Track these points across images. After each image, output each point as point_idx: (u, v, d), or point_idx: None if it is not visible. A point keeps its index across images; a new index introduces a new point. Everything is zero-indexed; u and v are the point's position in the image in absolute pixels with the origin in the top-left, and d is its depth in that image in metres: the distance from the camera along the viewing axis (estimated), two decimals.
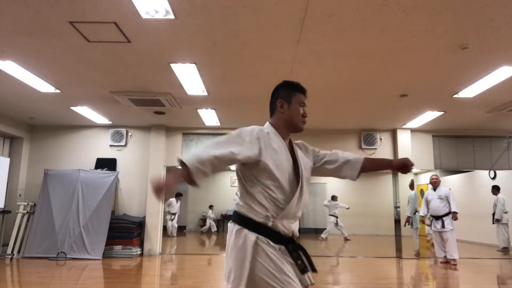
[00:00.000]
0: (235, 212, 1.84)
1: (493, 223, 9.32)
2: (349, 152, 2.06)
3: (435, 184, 7.24)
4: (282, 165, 1.81)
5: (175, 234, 12.55)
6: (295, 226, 1.84)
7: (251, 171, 1.79)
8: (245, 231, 1.75)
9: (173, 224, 12.37)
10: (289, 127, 1.94)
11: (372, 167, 2.04)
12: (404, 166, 1.95)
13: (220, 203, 15.09)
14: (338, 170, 2.02)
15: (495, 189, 9.40)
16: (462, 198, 11.44)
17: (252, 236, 1.73)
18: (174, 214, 12.29)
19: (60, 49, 4.34)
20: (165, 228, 12.44)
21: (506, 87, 5.35)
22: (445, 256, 7.08)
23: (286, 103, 1.93)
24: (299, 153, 1.95)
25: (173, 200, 12.37)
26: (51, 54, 4.48)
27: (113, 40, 4.07)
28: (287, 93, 1.95)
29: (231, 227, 1.83)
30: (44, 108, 6.98)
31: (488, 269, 7.03)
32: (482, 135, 8.29)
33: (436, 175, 7.43)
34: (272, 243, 1.73)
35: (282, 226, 1.77)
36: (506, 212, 9.21)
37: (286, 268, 1.71)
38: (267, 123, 1.97)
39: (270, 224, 1.75)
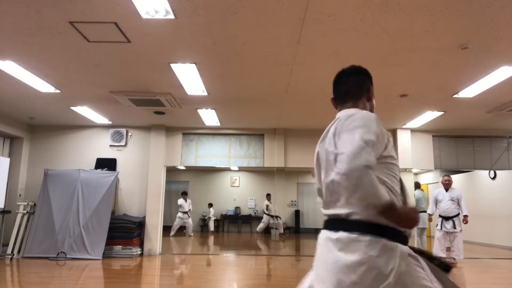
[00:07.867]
0: (359, 221, 1.42)
1: None
2: None
3: (447, 185, 7.21)
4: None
5: (191, 234, 12.59)
6: None
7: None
8: (388, 242, 1.39)
9: (189, 222, 12.46)
10: None
11: None
12: None
13: (220, 203, 15.10)
14: None
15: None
16: None
17: (404, 249, 1.41)
18: (186, 212, 12.36)
19: (60, 49, 4.35)
20: (181, 229, 12.52)
21: (506, 87, 5.36)
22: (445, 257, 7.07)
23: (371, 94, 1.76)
24: None
25: (180, 200, 12.39)
26: (51, 54, 4.48)
27: (113, 40, 4.07)
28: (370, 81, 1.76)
29: (356, 238, 1.40)
30: (44, 108, 6.99)
31: (487, 269, 7.03)
32: (482, 135, 8.29)
33: (448, 175, 7.39)
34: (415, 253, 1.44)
35: (409, 234, 1.52)
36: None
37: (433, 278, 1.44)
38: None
39: (408, 232, 1.46)
